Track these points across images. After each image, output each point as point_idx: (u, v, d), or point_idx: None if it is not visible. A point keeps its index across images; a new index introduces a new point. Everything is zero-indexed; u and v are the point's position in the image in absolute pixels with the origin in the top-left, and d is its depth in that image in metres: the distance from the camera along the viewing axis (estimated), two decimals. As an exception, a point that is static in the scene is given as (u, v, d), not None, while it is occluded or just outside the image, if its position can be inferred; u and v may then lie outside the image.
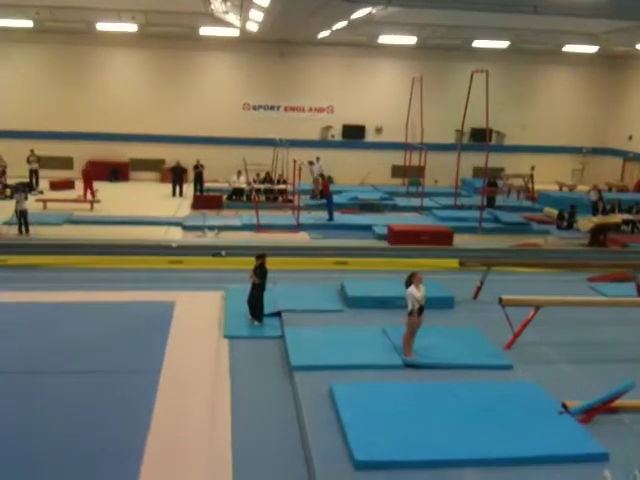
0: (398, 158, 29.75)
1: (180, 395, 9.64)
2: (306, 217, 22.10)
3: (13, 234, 18.81)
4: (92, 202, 23.16)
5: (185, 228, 20.60)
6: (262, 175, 26.01)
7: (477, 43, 28.80)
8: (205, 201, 24.21)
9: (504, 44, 28.92)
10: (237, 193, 25.35)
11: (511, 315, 11.80)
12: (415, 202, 25.47)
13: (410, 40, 28.42)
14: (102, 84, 29.53)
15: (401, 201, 26.25)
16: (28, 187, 23.59)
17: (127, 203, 23.80)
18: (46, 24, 26.72)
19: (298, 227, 21.01)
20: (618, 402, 9.13)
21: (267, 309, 12.70)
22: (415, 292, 10.44)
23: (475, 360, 10.89)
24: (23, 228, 18.82)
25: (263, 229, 20.63)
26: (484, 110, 21.73)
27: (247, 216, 21.81)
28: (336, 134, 31.49)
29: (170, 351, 11.13)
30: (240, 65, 30.38)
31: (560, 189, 29.96)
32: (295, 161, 21.80)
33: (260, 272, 12.35)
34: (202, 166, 25.98)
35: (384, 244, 19.63)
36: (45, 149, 27.66)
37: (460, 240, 19.99)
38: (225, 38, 28.64)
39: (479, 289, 14.54)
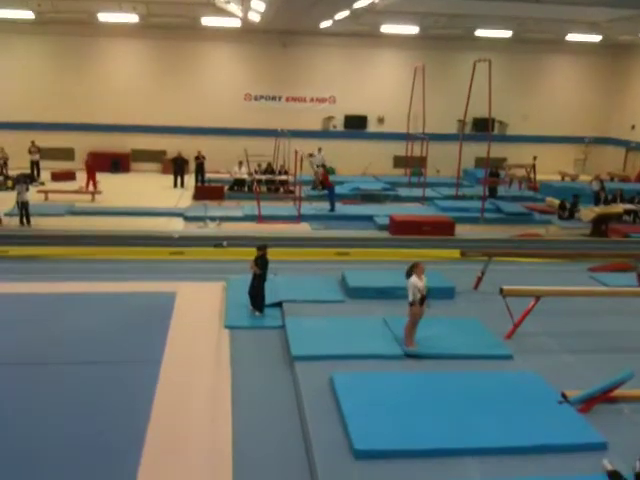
0: (400, 148, 29.64)
1: (181, 386, 9.65)
2: (307, 208, 22.09)
3: (14, 225, 18.84)
4: (93, 193, 23.18)
5: (186, 219, 20.62)
6: (263, 166, 25.94)
7: (479, 32, 28.70)
8: (206, 192, 24.19)
9: (507, 33, 28.82)
10: (239, 184, 25.34)
11: (512, 305, 11.80)
12: (417, 192, 25.42)
13: (412, 30, 28.33)
14: (103, 75, 29.46)
15: (403, 191, 26.17)
16: (29, 178, 23.67)
17: (128, 194, 23.79)
18: (47, 15, 26.70)
19: (299, 218, 21.00)
20: (617, 392, 9.14)
21: (268, 299, 12.71)
22: (417, 282, 10.45)
23: (475, 350, 10.89)
24: (24, 219, 18.83)
25: (264, 220, 20.62)
26: (486, 100, 21.65)
27: (248, 207, 21.80)
28: (338, 124, 31.41)
29: (171, 342, 11.15)
30: (242, 55, 30.31)
31: (562, 179, 29.92)
32: (297, 152, 21.77)
33: (261, 263, 12.36)
34: (203, 157, 25.92)
35: (386, 234, 19.62)
36: (46, 140, 27.67)
37: (462, 230, 19.97)
38: (227, 28, 28.53)
39: (480, 279, 14.53)
